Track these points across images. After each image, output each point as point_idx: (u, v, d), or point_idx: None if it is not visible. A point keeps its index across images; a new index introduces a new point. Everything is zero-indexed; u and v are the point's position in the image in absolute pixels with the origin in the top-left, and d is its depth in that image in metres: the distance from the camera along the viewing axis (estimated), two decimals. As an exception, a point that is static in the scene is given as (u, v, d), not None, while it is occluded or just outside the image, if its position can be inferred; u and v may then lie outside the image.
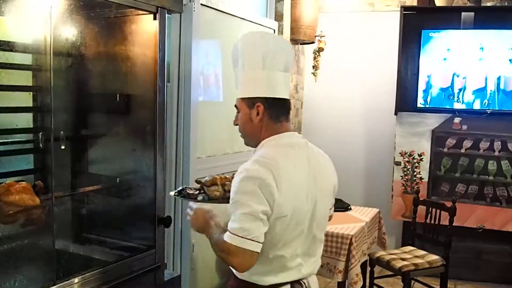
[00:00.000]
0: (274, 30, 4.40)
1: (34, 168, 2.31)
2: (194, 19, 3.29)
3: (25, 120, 2.29)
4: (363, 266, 3.51)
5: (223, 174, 3.72)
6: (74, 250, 2.23)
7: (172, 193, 1.90)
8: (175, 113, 3.31)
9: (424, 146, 4.40)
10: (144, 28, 2.05)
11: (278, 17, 4.43)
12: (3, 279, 1.84)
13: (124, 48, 2.11)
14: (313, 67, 4.67)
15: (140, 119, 2.12)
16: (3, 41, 1.98)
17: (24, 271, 1.93)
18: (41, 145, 2.00)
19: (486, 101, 4.23)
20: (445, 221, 3.70)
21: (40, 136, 1.97)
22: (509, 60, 4.16)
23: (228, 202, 1.58)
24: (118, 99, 2.13)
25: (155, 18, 1.98)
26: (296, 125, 4.99)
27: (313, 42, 4.63)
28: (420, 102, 4.42)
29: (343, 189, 4.64)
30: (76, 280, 1.80)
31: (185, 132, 3.33)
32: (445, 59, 4.33)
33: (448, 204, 3.72)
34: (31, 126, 2.30)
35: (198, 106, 3.40)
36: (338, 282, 3.30)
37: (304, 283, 1.64)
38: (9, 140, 2.02)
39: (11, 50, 2.07)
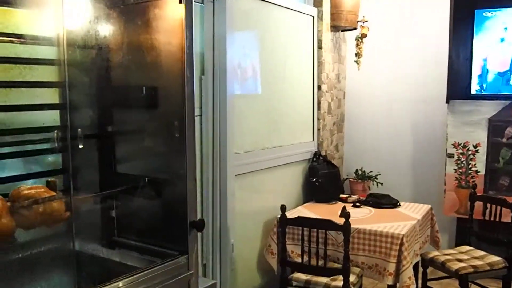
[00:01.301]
0: (313, 17, 4.17)
1: (61, 168, 2.19)
2: (228, 7, 3.12)
3: (52, 118, 2.18)
4: (415, 268, 3.24)
5: (262, 169, 3.59)
6: (104, 254, 2.10)
7: None
8: (211, 107, 3.16)
9: (480, 137, 4.06)
10: (169, 13, 1.87)
11: (318, 2, 4.19)
12: (25, 285, 1.72)
13: (149, 37, 1.94)
14: (356, 54, 4.39)
15: (168, 113, 1.95)
16: (19, 34, 1.86)
17: (48, 277, 1.81)
18: (57, 144, 1.87)
19: (549, 85, 3.87)
20: (506, 218, 3.38)
21: (56, 134, 1.83)
22: None
23: None
24: (144, 92, 1.97)
25: (180, 2, 1.79)
26: (339, 117, 4.74)
27: (355, 28, 4.36)
28: (474, 89, 4.09)
29: (390, 184, 4.42)
30: (101, 289, 1.66)
31: (221, 127, 3.17)
32: (502, 39, 3.97)
33: (510, 199, 3.39)
34: (58, 124, 2.18)
35: (234, 99, 3.23)
36: (388, 285, 3.06)
37: None
38: (29, 139, 1.89)
39: (33, 44, 1.95)
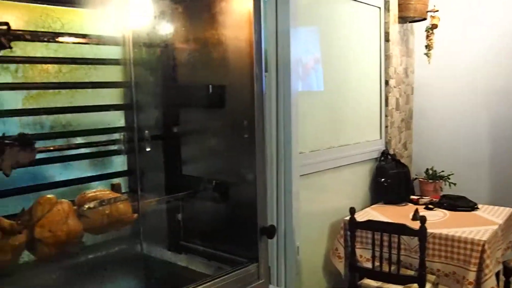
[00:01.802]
0: (380, 8, 3.97)
1: (126, 170, 2.15)
2: (291, 1, 2.99)
3: (117, 119, 2.14)
4: (496, 277, 2.99)
5: (328, 169, 3.44)
6: (170, 258, 2.03)
7: None
8: (274, 105, 3.04)
9: None
10: (236, 6, 1.77)
11: (384, -7, 3.99)
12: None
13: (215, 32, 1.84)
14: (426, 46, 4.14)
15: (236, 113, 1.84)
16: (84, 34, 1.82)
17: (114, 280, 1.76)
18: (123, 146, 1.81)
19: None
20: None
21: (123, 135, 1.77)
22: None
23: None
24: (211, 90, 1.87)
25: (248, -7, 1.69)
26: (407, 113, 4.50)
27: (424, 19, 4.12)
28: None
29: (465, 185, 4.13)
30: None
31: (285, 126, 3.05)
32: None
33: None
34: (123, 125, 2.14)
35: (298, 96, 3.10)
36: (468, 295, 2.83)
37: None
38: (94, 141, 1.84)
39: (98, 44, 1.91)
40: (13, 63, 1.76)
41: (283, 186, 3.08)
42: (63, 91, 1.93)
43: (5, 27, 1.41)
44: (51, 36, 1.79)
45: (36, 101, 1.87)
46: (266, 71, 3.01)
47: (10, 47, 1.51)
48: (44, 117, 1.91)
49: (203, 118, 1.95)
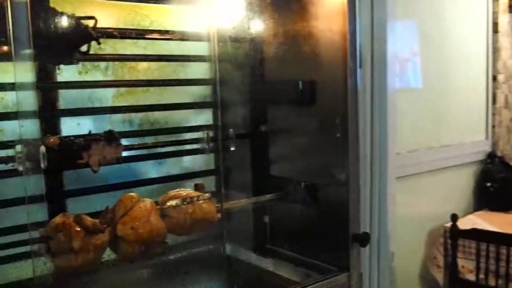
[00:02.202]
0: (489, -4, 3.62)
1: (212, 169, 2.10)
2: (388, -9, 2.80)
3: (205, 117, 2.11)
4: None
5: (427, 171, 3.20)
6: (255, 262, 1.96)
7: None
8: (369, 102, 2.86)
9: None
10: (329, -6, 1.65)
11: (493, -22, 3.63)
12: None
13: (306, 24, 1.73)
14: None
15: (327, 110, 1.72)
16: (171, 31, 1.80)
17: (196, 281, 1.72)
18: (208, 145, 1.75)
19: None
20: None
21: (206, 134, 1.72)
22: None
23: None
24: (301, 87, 1.76)
25: (342, -19, 1.56)
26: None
27: (540, 7, 3.70)
28: None
29: None
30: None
31: (381, 124, 2.85)
32: None
33: None
34: (211, 123, 2.10)
35: (395, 94, 2.90)
36: None
37: None
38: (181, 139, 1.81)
39: (184, 40, 1.88)
40: (103, 61, 1.78)
41: (378, 189, 2.89)
42: (151, 88, 1.93)
43: (92, 20, 1.41)
44: (139, 33, 1.78)
45: (125, 98, 1.88)
46: (360, 66, 2.84)
47: (99, 42, 1.51)
48: (133, 114, 1.92)
49: (292, 116, 1.85)
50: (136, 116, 1.93)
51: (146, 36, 1.80)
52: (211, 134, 1.86)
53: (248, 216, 1.97)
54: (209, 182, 2.11)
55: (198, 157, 1.98)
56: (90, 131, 1.50)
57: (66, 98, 1.70)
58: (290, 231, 1.89)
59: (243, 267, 1.93)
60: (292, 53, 1.81)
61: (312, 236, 1.80)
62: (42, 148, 1.27)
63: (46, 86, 1.66)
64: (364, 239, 1.64)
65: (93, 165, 1.43)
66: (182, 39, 1.83)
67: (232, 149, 1.73)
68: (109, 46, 1.81)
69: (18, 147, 1.31)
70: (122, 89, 1.86)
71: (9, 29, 1.28)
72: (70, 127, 1.72)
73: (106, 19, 1.71)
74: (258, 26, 1.83)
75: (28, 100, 1.66)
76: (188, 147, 1.86)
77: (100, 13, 1.66)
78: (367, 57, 2.86)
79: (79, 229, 1.25)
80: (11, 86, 1.59)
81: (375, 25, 2.83)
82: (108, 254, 1.40)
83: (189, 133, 1.89)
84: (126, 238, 1.35)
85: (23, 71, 1.65)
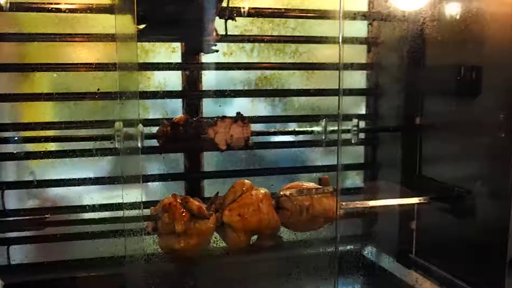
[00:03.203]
0: None
1: (362, 163, 1.93)
2: None
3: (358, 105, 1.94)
4: None
5: None
6: (395, 271, 1.74)
7: None
8: None
9: None
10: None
11: None
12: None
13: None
14: None
15: (490, 104, 1.40)
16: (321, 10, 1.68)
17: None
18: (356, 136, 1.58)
19: None
20: None
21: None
22: None
23: None
24: (462, 74, 1.47)
25: None
26: None
27: None
28: None
29: None
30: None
31: None
32: None
33: None
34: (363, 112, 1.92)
35: None
36: None
37: None
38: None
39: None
40: (248, 42, 1.74)
41: None
42: (298, 72, 1.84)
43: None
44: (284, 12, 1.70)
45: (269, 82, 1.82)
46: None
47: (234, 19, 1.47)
48: (276, 99, 1.85)
49: (450, 108, 1.56)
50: (281, 101, 1.86)
51: (290, 15, 1.70)
52: (361, 124, 1.70)
53: (393, 219, 1.75)
54: (353, 177, 1.95)
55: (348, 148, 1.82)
56: (238, 112, 1.49)
57: (208, 80, 1.72)
58: (437, 243, 1.62)
59: (380, 275, 1.73)
60: (455, 33, 1.51)
61: (461, 252, 1.50)
62: (140, 127, 1.28)
63: (191, 66, 1.69)
64: (522, 267, 1.30)
65: (219, 143, 1.41)
66: (329, 18, 1.68)
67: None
68: (256, 27, 1.77)
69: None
70: (267, 72, 1.80)
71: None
72: (212, 109, 1.74)
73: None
74: (416, 2, 1.58)
75: (174, 80, 1.73)
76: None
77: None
78: None
79: (184, 212, 1.24)
80: (159, 66, 1.67)
81: None
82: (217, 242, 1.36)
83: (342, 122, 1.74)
84: (232, 225, 1.29)
85: (170, 52, 1.73)
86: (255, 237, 1.38)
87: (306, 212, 1.35)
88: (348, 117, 1.65)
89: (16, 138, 1.52)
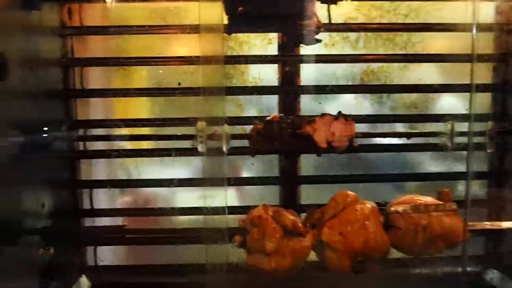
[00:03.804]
0: None
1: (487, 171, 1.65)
2: None
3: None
4: None
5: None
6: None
7: None
8: None
9: None
10: None
11: None
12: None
13: None
14: None
15: None
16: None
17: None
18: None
19: None
20: None
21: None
22: None
23: None
24: None
25: None
26: None
27: None
28: None
29: None
30: None
31: None
32: None
33: None
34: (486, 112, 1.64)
35: None
36: None
37: None
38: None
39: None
40: (352, 31, 1.54)
41: None
42: (411, 65, 1.60)
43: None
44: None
45: (376, 76, 1.61)
46: None
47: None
48: (384, 95, 1.63)
49: None
50: (389, 98, 1.64)
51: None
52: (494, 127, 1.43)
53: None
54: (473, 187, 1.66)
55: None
56: (339, 112, 1.31)
57: (307, 75, 1.54)
58: None
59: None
60: None
61: None
62: (226, 127, 1.13)
63: (288, 59, 1.52)
64: None
65: (319, 141, 1.24)
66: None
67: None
68: (361, 14, 1.56)
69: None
70: (374, 65, 1.59)
71: None
72: (311, 107, 1.56)
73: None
74: None
75: (270, 74, 1.58)
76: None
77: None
78: None
79: (276, 227, 1.07)
80: (252, 59, 1.53)
81: None
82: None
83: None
84: (332, 246, 1.11)
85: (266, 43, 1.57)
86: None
87: (423, 233, 1.13)
88: (479, 118, 1.39)
89: (104, 135, 1.46)
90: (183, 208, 1.43)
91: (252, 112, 1.59)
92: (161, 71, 1.55)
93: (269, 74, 1.57)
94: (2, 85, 1.09)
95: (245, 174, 1.61)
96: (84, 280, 1.50)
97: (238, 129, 1.42)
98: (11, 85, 1.14)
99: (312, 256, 1.20)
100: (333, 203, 1.15)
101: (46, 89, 1.35)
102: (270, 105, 1.58)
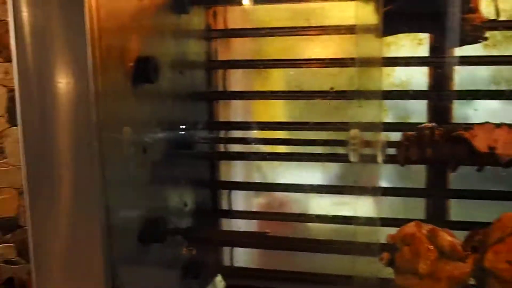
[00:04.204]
0: None
1: None
2: None
3: None
4: None
5: None
6: None
7: None
8: None
9: None
10: None
11: None
12: None
13: None
14: None
15: None
16: None
17: None
18: None
19: None
20: None
21: None
22: None
23: None
24: None
25: None
26: None
27: None
28: None
29: None
30: None
31: None
32: None
33: None
34: None
35: None
36: None
37: None
38: None
39: None
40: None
41: None
42: None
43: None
44: None
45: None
46: None
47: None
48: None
49: None
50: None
51: None
52: None
53: None
54: None
55: None
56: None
57: (461, 78, 1.39)
58: None
59: None
60: None
61: None
62: (382, 135, 1.04)
63: (441, 61, 1.39)
64: None
65: (479, 145, 1.10)
66: None
67: None
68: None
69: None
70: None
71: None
72: (465, 113, 1.42)
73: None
74: None
75: (419, 77, 1.45)
76: None
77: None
78: None
79: (431, 248, 0.97)
80: (402, 61, 1.42)
81: None
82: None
83: None
84: (497, 275, 0.97)
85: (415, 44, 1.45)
86: None
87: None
88: None
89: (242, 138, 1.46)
90: (333, 216, 1.37)
91: (393, 118, 1.49)
92: (292, 73, 1.52)
93: (416, 77, 1.46)
94: (154, 87, 1.12)
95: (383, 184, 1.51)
96: (219, 280, 1.51)
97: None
98: (162, 87, 1.17)
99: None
100: (497, 224, 1.01)
101: (192, 91, 1.38)
102: (417, 110, 1.46)
